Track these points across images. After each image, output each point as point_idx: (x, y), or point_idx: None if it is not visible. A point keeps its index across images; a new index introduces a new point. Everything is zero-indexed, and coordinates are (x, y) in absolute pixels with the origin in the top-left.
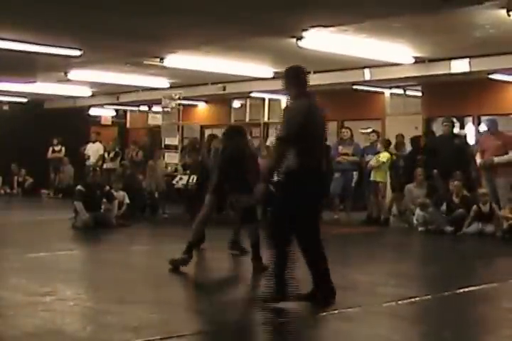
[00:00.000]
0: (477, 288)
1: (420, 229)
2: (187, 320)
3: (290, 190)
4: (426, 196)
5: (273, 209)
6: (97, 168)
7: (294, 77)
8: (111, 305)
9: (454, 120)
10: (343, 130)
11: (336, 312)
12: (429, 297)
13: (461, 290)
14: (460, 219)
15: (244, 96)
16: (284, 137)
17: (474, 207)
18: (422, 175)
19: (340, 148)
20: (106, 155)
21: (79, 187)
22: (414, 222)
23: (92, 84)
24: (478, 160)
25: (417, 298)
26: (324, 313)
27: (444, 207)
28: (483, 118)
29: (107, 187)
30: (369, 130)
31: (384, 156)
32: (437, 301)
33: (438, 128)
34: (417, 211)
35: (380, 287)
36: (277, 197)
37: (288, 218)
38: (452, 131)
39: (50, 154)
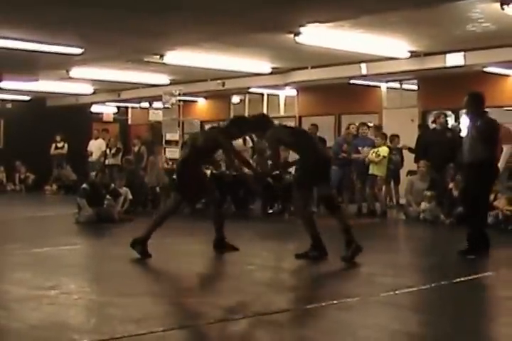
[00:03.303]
0: (474, 277)
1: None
2: (189, 311)
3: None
4: (428, 189)
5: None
6: (105, 170)
7: (482, 102)
8: (114, 298)
9: (449, 113)
10: (353, 126)
11: (335, 302)
12: (427, 286)
13: (458, 280)
14: (459, 216)
15: (243, 91)
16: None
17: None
18: (424, 168)
19: (345, 146)
20: (108, 151)
21: (84, 185)
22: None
23: (94, 82)
24: None
25: (415, 288)
26: (323, 303)
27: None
28: None
29: (112, 186)
30: (357, 124)
31: (384, 151)
32: (435, 290)
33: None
34: (423, 204)
35: (379, 277)
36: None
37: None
38: (446, 124)
39: (53, 151)
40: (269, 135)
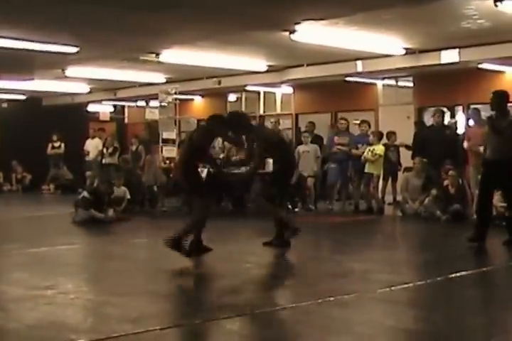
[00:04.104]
0: (468, 272)
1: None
2: (186, 310)
3: None
4: (423, 186)
5: None
6: (110, 180)
7: (506, 101)
8: (111, 297)
9: (445, 109)
10: (341, 121)
11: (331, 298)
12: (423, 282)
13: (453, 275)
14: (455, 212)
15: (240, 89)
16: None
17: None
18: (419, 164)
19: (336, 138)
20: (105, 150)
21: (84, 194)
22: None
23: (90, 81)
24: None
25: (411, 284)
26: (320, 300)
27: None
28: (472, 107)
29: (114, 194)
30: (357, 121)
31: (380, 149)
32: (431, 286)
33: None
34: (426, 201)
35: (375, 274)
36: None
37: None
38: (443, 121)
39: (49, 150)
40: (258, 135)
